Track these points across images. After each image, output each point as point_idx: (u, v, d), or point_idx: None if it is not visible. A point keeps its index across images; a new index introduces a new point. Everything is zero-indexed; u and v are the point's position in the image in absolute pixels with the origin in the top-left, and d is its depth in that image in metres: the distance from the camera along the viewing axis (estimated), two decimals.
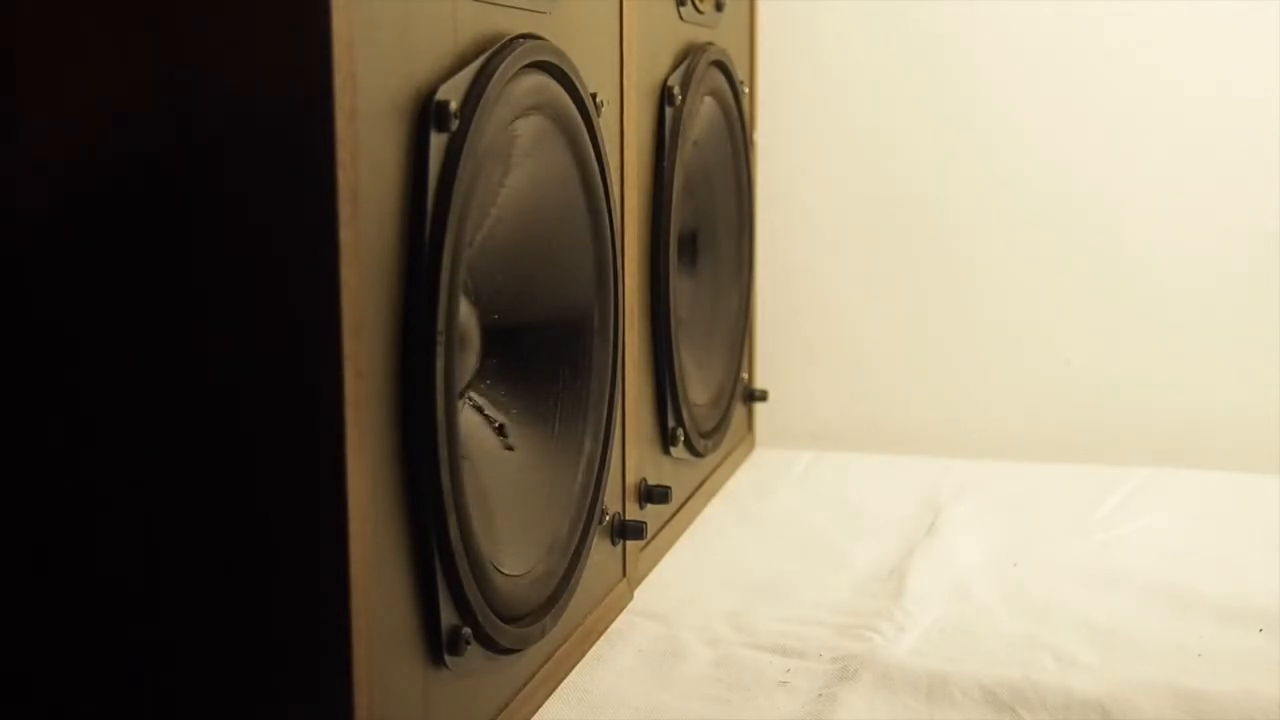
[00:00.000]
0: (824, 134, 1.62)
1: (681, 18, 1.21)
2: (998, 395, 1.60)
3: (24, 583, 0.70)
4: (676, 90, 1.16)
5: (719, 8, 1.33)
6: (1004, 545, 1.24)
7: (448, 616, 0.75)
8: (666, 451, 1.20)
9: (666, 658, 1.00)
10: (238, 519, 0.66)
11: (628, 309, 1.04)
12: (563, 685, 0.94)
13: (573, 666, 0.97)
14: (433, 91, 0.72)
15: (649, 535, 1.09)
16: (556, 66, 0.86)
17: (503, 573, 0.82)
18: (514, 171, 0.84)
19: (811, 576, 1.17)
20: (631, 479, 1.08)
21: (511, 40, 0.81)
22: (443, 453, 0.72)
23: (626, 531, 1.05)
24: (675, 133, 1.16)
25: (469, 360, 0.88)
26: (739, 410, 1.47)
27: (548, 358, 0.93)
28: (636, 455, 1.10)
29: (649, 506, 1.13)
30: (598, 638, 1.02)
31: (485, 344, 0.90)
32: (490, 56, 0.78)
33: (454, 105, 0.72)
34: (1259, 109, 1.50)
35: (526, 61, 0.81)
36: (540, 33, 0.86)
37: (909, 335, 1.62)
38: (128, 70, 0.64)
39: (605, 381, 0.97)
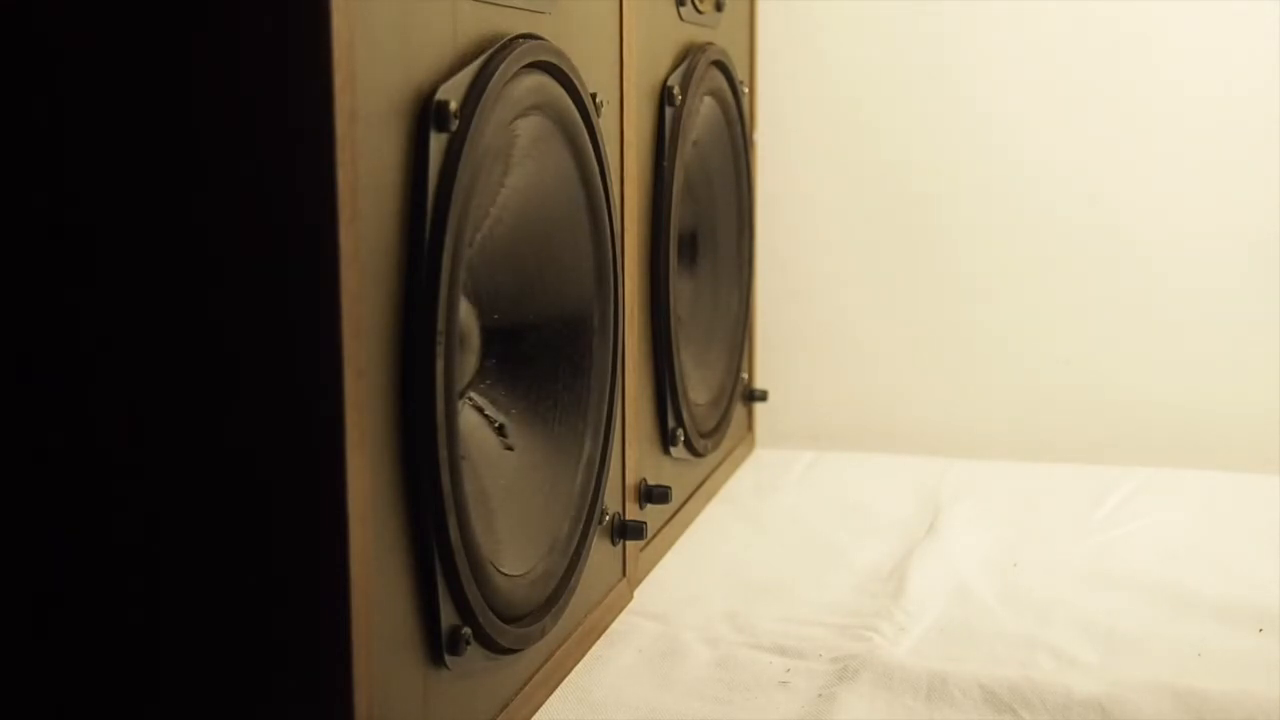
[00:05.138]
0: (824, 134, 1.62)
1: (681, 18, 1.21)
2: (998, 395, 1.60)
3: (24, 583, 0.70)
4: (676, 90, 1.16)
5: (719, 8, 1.33)
6: (1004, 545, 1.23)
7: (448, 616, 0.75)
8: (666, 451, 1.20)
9: (666, 658, 1.00)
10: (238, 519, 0.66)
11: (628, 309, 1.04)
12: (563, 685, 0.94)
13: (573, 666, 0.97)
14: (433, 91, 0.72)
15: (649, 535, 1.09)
16: (556, 66, 0.86)
17: (503, 573, 0.82)
18: (514, 171, 0.84)
19: (811, 576, 1.17)
20: (631, 479, 1.08)
21: (511, 40, 0.81)
22: (443, 453, 0.72)
23: (626, 531, 1.05)
24: (675, 133, 1.16)
25: (469, 360, 0.88)
26: (739, 410, 1.47)
27: (548, 358, 0.93)
28: (636, 455, 1.10)
29: (649, 506, 1.13)
30: (598, 638, 1.02)
31: (485, 344, 0.90)
32: (490, 56, 0.78)
33: (454, 105, 0.72)
34: (1260, 108, 1.49)
35: (526, 61, 0.81)
36: (540, 33, 0.86)
37: (909, 335, 1.62)
38: (128, 69, 0.64)
39: (605, 381, 0.97)
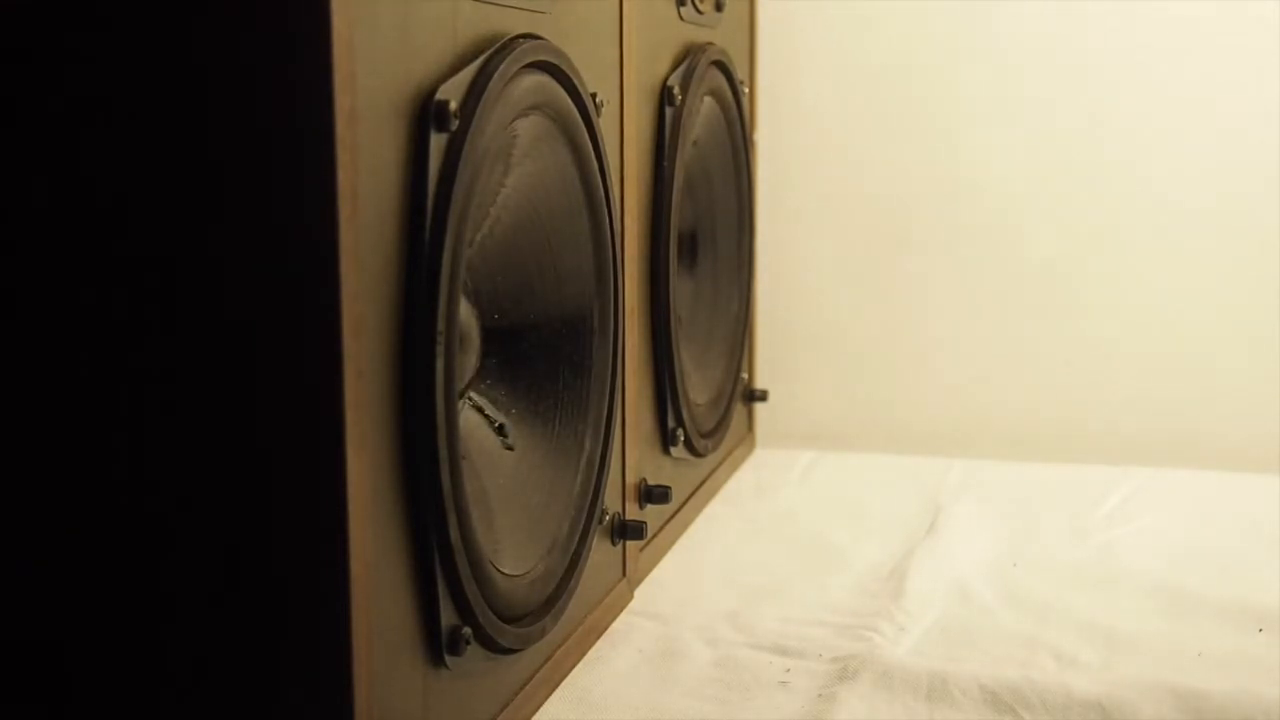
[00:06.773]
0: (824, 134, 1.62)
1: (681, 18, 1.21)
2: (998, 395, 1.60)
3: (24, 582, 0.70)
4: (676, 90, 1.16)
5: (719, 8, 1.33)
6: (1004, 545, 1.23)
7: (448, 616, 0.75)
8: (666, 451, 1.20)
9: (666, 658, 1.00)
10: (238, 519, 0.66)
11: (628, 309, 1.04)
12: (563, 685, 0.94)
13: (573, 666, 0.97)
14: (433, 91, 0.72)
15: (649, 535, 1.09)
16: (556, 66, 0.86)
17: (503, 573, 0.82)
18: (514, 171, 0.84)
19: (811, 576, 1.17)
20: (631, 479, 1.08)
21: (511, 40, 0.81)
22: (443, 453, 0.72)
23: (626, 531, 1.05)
24: (675, 133, 1.16)
25: (469, 360, 0.88)
26: (739, 410, 1.47)
27: (548, 357, 0.93)
28: (636, 455, 1.10)
29: (649, 506, 1.13)
30: (598, 638, 1.02)
31: (485, 344, 0.90)
32: (490, 56, 0.78)
33: (454, 105, 0.72)
34: (1261, 109, 1.49)
35: (526, 61, 0.81)
36: (540, 33, 0.86)
37: (909, 335, 1.62)
38: (128, 69, 0.64)
39: (605, 381, 0.97)
